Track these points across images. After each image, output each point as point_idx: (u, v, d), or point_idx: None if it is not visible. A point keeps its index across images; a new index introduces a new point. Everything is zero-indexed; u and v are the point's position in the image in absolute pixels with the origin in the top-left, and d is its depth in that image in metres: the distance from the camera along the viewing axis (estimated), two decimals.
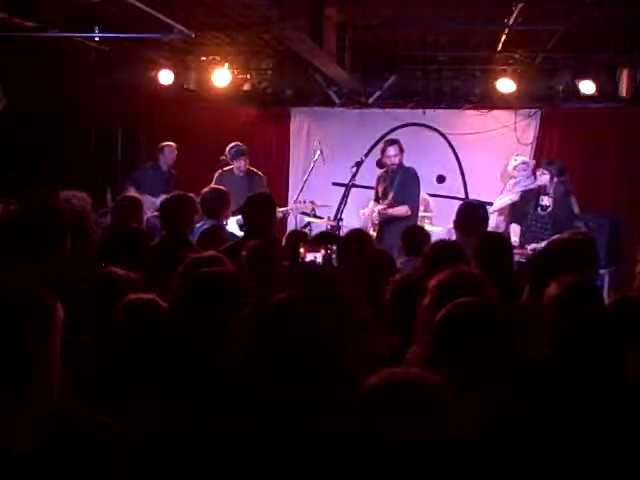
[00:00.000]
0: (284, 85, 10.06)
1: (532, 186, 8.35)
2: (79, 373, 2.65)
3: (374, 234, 7.94)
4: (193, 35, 7.61)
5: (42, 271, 3.35)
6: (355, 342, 3.10)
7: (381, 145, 8.59)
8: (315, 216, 8.89)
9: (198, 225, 5.69)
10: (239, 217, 6.90)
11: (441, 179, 9.81)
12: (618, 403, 2.49)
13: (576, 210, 8.77)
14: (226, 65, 9.47)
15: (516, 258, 5.85)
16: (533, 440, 2.47)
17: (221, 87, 9.61)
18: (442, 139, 10.14)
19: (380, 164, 8.36)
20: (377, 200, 8.37)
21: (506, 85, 9.28)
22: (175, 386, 2.58)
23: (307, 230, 8.34)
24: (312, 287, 3.31)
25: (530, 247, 7.51)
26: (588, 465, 2.33)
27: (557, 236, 6.83)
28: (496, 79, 9.32)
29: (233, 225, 7.47)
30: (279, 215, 7.62)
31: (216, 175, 8.59)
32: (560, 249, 4.30)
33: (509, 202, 8.91)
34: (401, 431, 1.62)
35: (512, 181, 9.23)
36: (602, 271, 7.55)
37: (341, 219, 8.33)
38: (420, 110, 10.04)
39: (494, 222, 8.81)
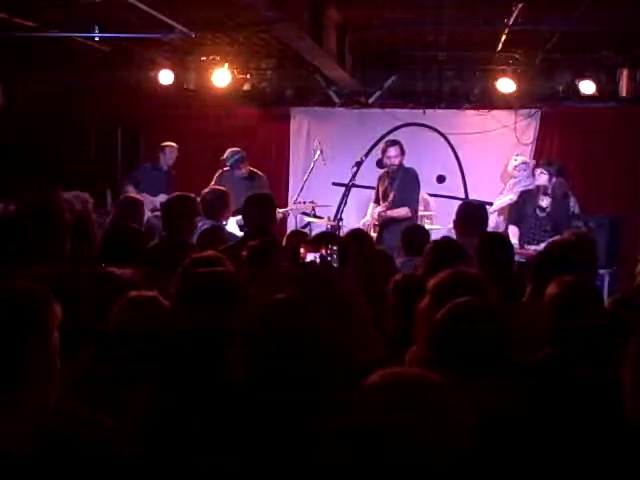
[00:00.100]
0: (284, 85, 10.06)
1: (531, 187, 8.35)
2: (79, 373, 2.65)
3: (374, 235, 7.94)
4: (193, 35, 7.61)
5: (42, 271, 3.36)
6: (355, 342, 3.10)
7: (382, 145, 8.59)
8: (315, 216, 8.89)
9: (198, 225, 5.69)
10: (239, 217, 6.90)
11: (441, 179, 9.81)
12: (618, 403, 2.49)
13: (576, 210, 8.79)
14: (226, 65, 9.47)
15: (516, 258, 5.84)
16: (533, 440, 2.48)
17: (221, 87, 9.60)
18: (442, 139, 10.13)
19: (380, 164, 8.36)
20: (377, 201, 8.37)
21: (506, 85, 9.27)
22: (175, 386, 2.58)
23: (307, 230, 8.34)
24: (312, 287, 3.31)
25: (532, 248, 7.52)
26: (588, 465, 2.33)
27: (558, 237, 6.88)
28: (496, 79, 9.31)
29: (233, 225, 7.47)
30: (279, 216, 7.62)
31: (216, 175, 8.59)
32: (561, 249, 4.30)
33: (509, 202, 8.91)
34: (401, 430, 1.62)
35: (512, 181, 9.24)
36: (602, 271, 7.55)
37: (341, 219, 8.33)
38: (420, 110, 10.03)
39: (494, 222, 8.82)
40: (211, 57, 9.44)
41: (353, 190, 8.50)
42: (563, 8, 6.65)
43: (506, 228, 8.31)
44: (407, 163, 8.28)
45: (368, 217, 8.52)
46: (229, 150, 8.66)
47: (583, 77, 9.06)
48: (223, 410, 2.35)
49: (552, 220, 7.75)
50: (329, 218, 8.75)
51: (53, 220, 4.56)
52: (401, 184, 8.09)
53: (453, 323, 2.72)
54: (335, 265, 3.57)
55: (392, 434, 1.63)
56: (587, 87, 9.07)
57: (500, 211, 9.14)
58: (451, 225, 6.18)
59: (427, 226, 7.88)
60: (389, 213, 8.02)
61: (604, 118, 9.79)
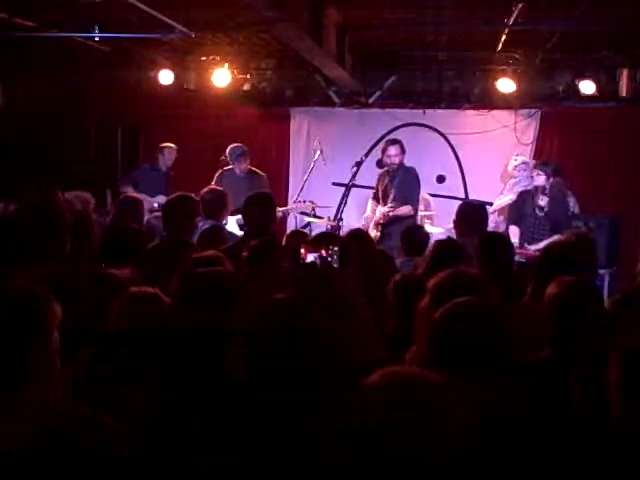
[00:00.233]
0: (284, 85, 10.06)
1: (529, 187, 8.36)
2: (79, 373, 2.65)
3: (377, 234, 7.95)
4: (193, 35, 7.61)
5: (42, 271, 3.36)
6: (355, 342, 3.10)
7: (382, 144, 8.59)
8: (315, 216, 8.89)
9: (199, 225, 5.69)
10: (239, 217, 6.90)
11: (441, 179, 9.80)
12: None
13: (576, 210, 8.79)
14: (226, 65, 9.47)
15: (516, 258, 5.85)
16: (533, 440, 2.48)
17: (221, 87, 9.60)
18: (442, 139, 10.13)
19: (380, 164, 8.36)
20: (376, 199, 8.37)
21: (506, 85, 9.27)
22: (175, 385, 2.58)
23: (307, 230, 8.34)
24: (312, 287, 3.31)
25: (532, 247, 7.52)
26: (588, 465, 2.33)
27: (558, 237, 6.88)
28: (496, 79, 9.31)
29: (233, 225, 7.47)
30: (279, 215, 7.62)
31: (217, 175, 8.60)
32: (561, 250, 4.30)
33: (509, 202, 8.91)
34: (401, 430, 1.62)
35: (512, 181, 9.23)
36: (602, 271, 7.55)
37: (341, 219, 8.33)
38: (420, 110, 10.03)
39: (494, 222, 8.82)
40: (211, 57, 9.44)
41: (353, 190, 8.50)
42: (563, 8, 6.65)
43: (506, 228, 8.30)
44: (407, 163, 8.28)
45: (369, 212, 8.53)
46: (230, 146, 8.69)
47: (583, 77, 9.06)
48: (223, 410, 2.35)
49: (551, 219, 7.75)
50: (329, 218, 8.75)
51: (53, 220, 4.56)
52: (401, 183, 8.09)
53: (453, 323, 2.72)
54: (335, 265, 3.57)
55: (392, 434, 1.63)
56: (587, 87, 9.07)
57: (500, 211, 9.13)
58: (451, 225, 6.19)
59: (427, 227, 7.88)
60: (393, 212, 8.00)
61: (604, 118, 9.79)
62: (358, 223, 8.47)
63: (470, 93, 9.83)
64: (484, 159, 10.09)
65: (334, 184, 9.79)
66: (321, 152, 9.08)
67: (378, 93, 9.99)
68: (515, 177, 9.19)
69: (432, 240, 5.56)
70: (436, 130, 10.11)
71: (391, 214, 7.94)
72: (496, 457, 2.26)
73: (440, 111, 10.03)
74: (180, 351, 2.69)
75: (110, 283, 3.37)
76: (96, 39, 8.01)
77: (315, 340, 2.46)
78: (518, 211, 8.09)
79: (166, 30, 7.44)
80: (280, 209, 7.89)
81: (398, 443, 1.62)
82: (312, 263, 3.57)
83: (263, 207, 5.51)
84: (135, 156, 10.57)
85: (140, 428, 2.34)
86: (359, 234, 5.49)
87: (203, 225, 5.74)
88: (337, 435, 1.73)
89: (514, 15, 6.63)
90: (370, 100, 10.09)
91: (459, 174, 10.17)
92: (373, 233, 7.88)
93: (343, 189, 8.60)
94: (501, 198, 9.23)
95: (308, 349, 2.43)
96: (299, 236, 5.66)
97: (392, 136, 9.07)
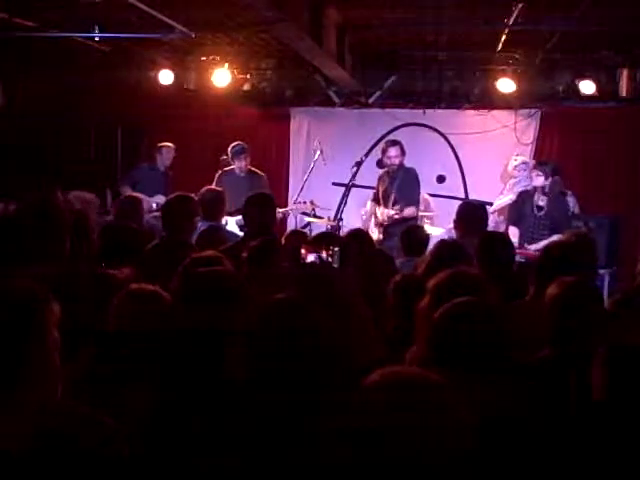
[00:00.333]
0: (284, 85, 10.06)
1: (529, 187, 8.36)
2: (79, 373, 2.65)
3: (380, 236, 7.95)
4: (193, 35, 7.62)
5: (42, 271, 3.36)
6: (355, 342, 3.10)
7: (382, 145, 8.59)
8: (315, 216, 8.89)
9: (198, 225, 5.69)
10: (239, 217, 6.90)
11: (441, 179, 9.80)
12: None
13: (576, 210, 8.78)
14: (226, 65, 9.47)
15: (516, 258, 5.84)
16: (533, 440, 2.47)
17: (221, 87, 9.60)
18: (442, 139, 10.13)
19: (380, 164, 8.36)
20: (376, 201, 8.37)
21: (506, 85, 9.27)
22: (175, 385, 2.58)
23: (307, 230, 8.34)
24: (312, 287, 3.31)
25: (532, 247, 7.52)
26: (589, 465, 2.33)
27: (557, 236, 6.88)
28: (496, 79, 9.31)
29: (233, 225, 7.47)
30: (279, 216, 7.61)
31: (217, 176, 8.60)
32: (561, 250, 4.30)
33: (509, 202, 8.91)
34: (401, 430, 1.62)
35: (512, 181, 9.24)
36: (602, 271, 7.55)
37: (341, 219, 8.33)
38: (420, 110, 10.03)
39: (494, 222, 8.81)
40: (211, 57, 9.44)
41: (353, 190, 8.50)
42: (563, 8, 6.65)
43: (506, 228, 8.30)
44: (407, 163, 8.28)
45: (368, 212, 8.53)
46: (231, 145, 8.70)
47: (583, 77, 9.06)
48: (223, 410, 2.35)
49: (550, 219, 7.75)
50: (329, 218, 8.75)
51: (53, 220, 4.56)
52: (402, 184, 8.09)
53: (453, 323, 2.72)
54: (335, 265, 3.58)
55: (392, 434, 1.63)
56: (587, 87, 9.07)
57: (500, 211, 9.13)
58: (451, 225, 6.18)
59: (427, 227, 7.88)
60: (399, 215, 7.99)
61: (604, 118, 9.79)
62: (358, 223, 8.47)
63: (470, 93, 9.83)
64: (484, 159, 10.09)
65: (334, 184, 9.79)
66: (321, 152, 9.08)
67: (378, 93, 9.99)
68: (515, 177, 9.20)
69: (432, 240, 5.56)
70: (436, 130, 10.11)
71: (397, 217, 7.92)
72: (496, 457, 2.26)
73: (440, 111, 10.04)
74: (180, 351, 2.69)
75: (110, 283, 3.37)
76: (96, 39, 8.01)
77: (315, 340, 2.46)
78: (518, 211, 8.09)
79: (166, 30, 7.44)
80: (280, 210, 7.88)
81: (398, 443, 1.62)
82: (312, 263, 3.57)
83: (263, 207, 5.51)
84: (135, 156, 10.57)
85: (140, 428, 2.34)
86: (359, 234, 5.50)
87: (202, 225, 5.74)
88: (337, 435, 1.73)
89: (514, 15, 6.63)
90: (370, 100, 10.09)
91: (459, 174, 10.17)
92: (375, 234, 7.89)
93: (343, 189, 8.60)
94: (501, 198, 9.23)
95: (308, 349, 2.43)
96: (299, 236, 5.66)
97: (392, 136, 9.08)
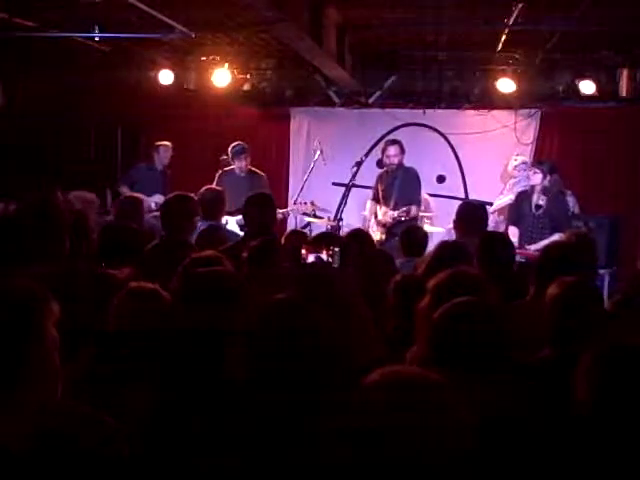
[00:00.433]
0: (284, 85, 10.06)
1: (527, 187, 8.36)
2: (79, 373, 2.65)
3: (382, 237, 7.94)
4: (193, 35, 7.62)
5: (41, 271, 3.36)
6: (355, 342, 3.10)
7: (382, 144, 8.60)
8: (315, 216, 8.89)
9: (198, 225, 5.69)
10: (239, 217, 6.90)
11: (441, 179, 9.81)
12: None
13: (576, 210, 8.79)
14: (226, 65, 9.47)
15: (516, 258, 5.84)
16: (533, 440, 2.47)
17: (221, 87, 9.60)
18: (442, 139, 10.13)
19: (380, 164, 8.36)
20: (376, 200, 8.37)
21: (506, 85, 9.27)
22: (175, 385, 2.58)
23: (307, 230, 8.34)
24: (312, 287, 3.31)
25: (532, 247, 7.52)
26: (587, 465, 2.32)
27: (557, 236, 6.88)
28: (496, 79, 9.31)
29: (233, 225, 7.47)
30: (279, 216, 7.61)
31: (217, 176, 8.59)
32: (561, 250, 4.30)
33: (509, 202, 8.91)
34: (401, 430, 1.62)
35: (512, 181, 9.24)
36: (602, 271, 7.55)
37: (341, 219, 8.34)
38: (420, 110, 10.03)
39: (494, 222, 8.81)
40: (211, 57, 9.44)
41: (353, 190, 8.51)
42: (563, 8, 6.66)
43: (506, 228, 8.30)
44: (407, 163, 8.29)
45: (367, 212, 8.53)
46: (231, 145, 8.70)
47: (583, 77, 9.07)
48: (223, 410, 2.35)
49: (549, 218, 7.74)
50: (329, 218, 8.75)
51: (53, 220, 4.56)
52: (402, 184, 8.10)
53: (453, 323, 2.72)
54: (336, 266, 3.58)
55: (392, 434, 1.63)
56: (587, 87, 9.07)
57: (500, 211, 9.13)
58: (451, 225, 6.18)
59: (427, 227, 7.88)
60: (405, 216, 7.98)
61: (604, 118, 9.79)
62: (358, 223, 8.47)
63: (470, 93, 9.83)
64: (484, 159, 10.09)
65: (334, 184, 9.80)
66: (321, 152, 9.08)
67: (378, 93, 9.99)
68: (515, 177, 9.19)
69: (432, 240, 5.56)
70: (436, 130, 10.12)
71: (403, 218, 7.91)
72: (496, 457, 2.26)
73: (440, 111, 10.04)
74: (180, 351, 2.69)
75: (109, 283, 3.37)
76: (96, 39, 8.01)
77: (315, 340, 2.46)
78: (517, 211, 8.09)
79: (166, 30, 7.44)
80: (280, 211, 7.88)
81: (398, 443, 1.62)
82: (312, 263, 3.57)
83: (263, 207, 5.51)
84: (135, 156, 10.57)
85: (140, 428, 2.34)
86: (359, 234, 5.50)
87: (202, 225, 5.74)
88: (337, 435, 1.73)
89: (514, 15, 6.64)
90: (370, 100, 10.09)
91: (459, 174, 10.17)
92: (377, 235, 7.88)
93: (343, 189, 8.61)
94: (501, 198, 9.23)
95: (308, 349, 2.43)
96: (298, 236, 5.66)
97: (392, 136, 9.08)
